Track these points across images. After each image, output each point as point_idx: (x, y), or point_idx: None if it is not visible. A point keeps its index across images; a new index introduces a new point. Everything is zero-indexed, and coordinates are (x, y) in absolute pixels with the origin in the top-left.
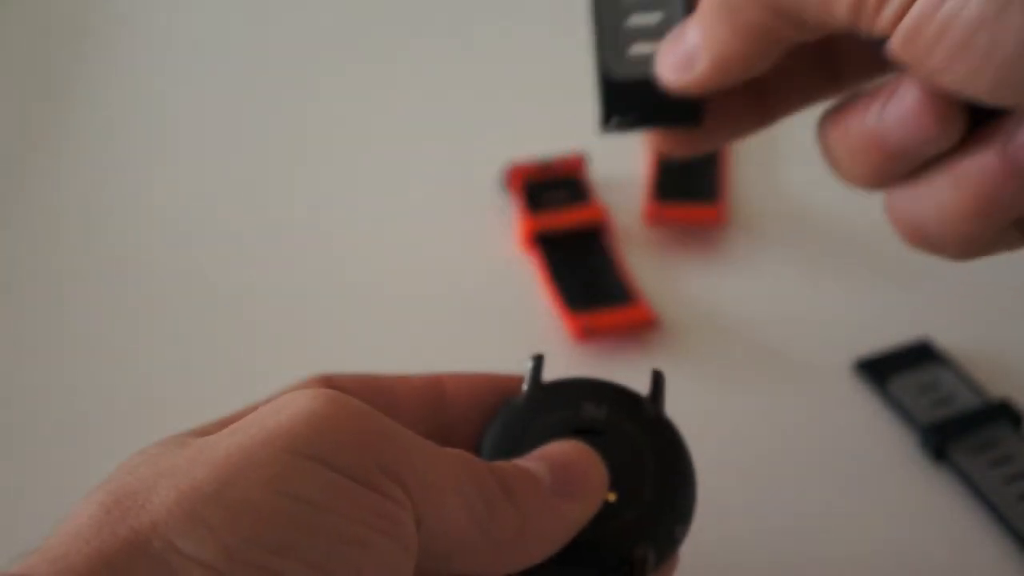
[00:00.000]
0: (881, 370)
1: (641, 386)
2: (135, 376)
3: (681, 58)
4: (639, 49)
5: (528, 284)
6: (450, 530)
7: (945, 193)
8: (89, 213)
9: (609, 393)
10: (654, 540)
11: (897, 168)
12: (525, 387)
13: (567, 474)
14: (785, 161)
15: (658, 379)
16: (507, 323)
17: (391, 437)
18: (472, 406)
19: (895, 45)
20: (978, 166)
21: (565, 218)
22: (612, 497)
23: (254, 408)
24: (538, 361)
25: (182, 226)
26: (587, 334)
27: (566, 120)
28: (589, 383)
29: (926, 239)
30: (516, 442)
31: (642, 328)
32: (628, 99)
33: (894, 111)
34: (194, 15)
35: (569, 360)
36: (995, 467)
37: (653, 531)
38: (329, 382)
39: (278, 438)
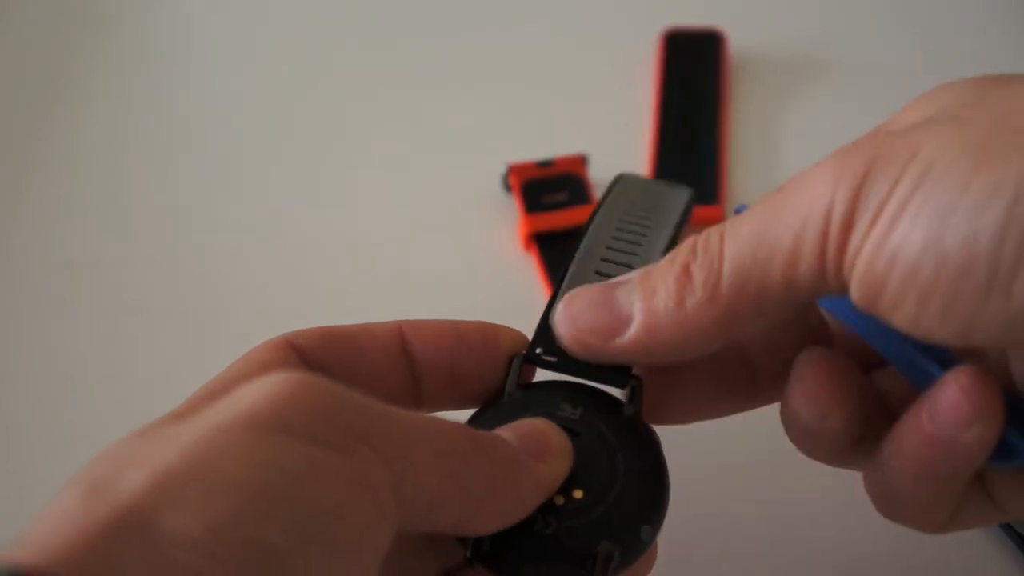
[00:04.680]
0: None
1: None
2: (131, 373)
3: (606, 326)
4: None
5: (529, 284)
6: (427, 486)
7: (895, 462)
8: (89, 210)
9: (587, 395)
10: (619, 539)
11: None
12: (506, 387)
13: (533, 441)
14: (784, 162)
15: (636, 384)
16: (508, 323)
17: (359, 405)
18: (435, 353)
19: (856, 288)
20: (913, 437)
21: (565, 218)
22: (580, 494)
23: (225, 379)
24: (516, 361)
25: (181, 225)
26: None
27: (566, 120)
28: (568, 385)
29: (895, 510)
30: None
31: None
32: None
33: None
34: (195, 15)
35: None
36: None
37: (619, 530)
38: (291, 342)
39: (246, 418)
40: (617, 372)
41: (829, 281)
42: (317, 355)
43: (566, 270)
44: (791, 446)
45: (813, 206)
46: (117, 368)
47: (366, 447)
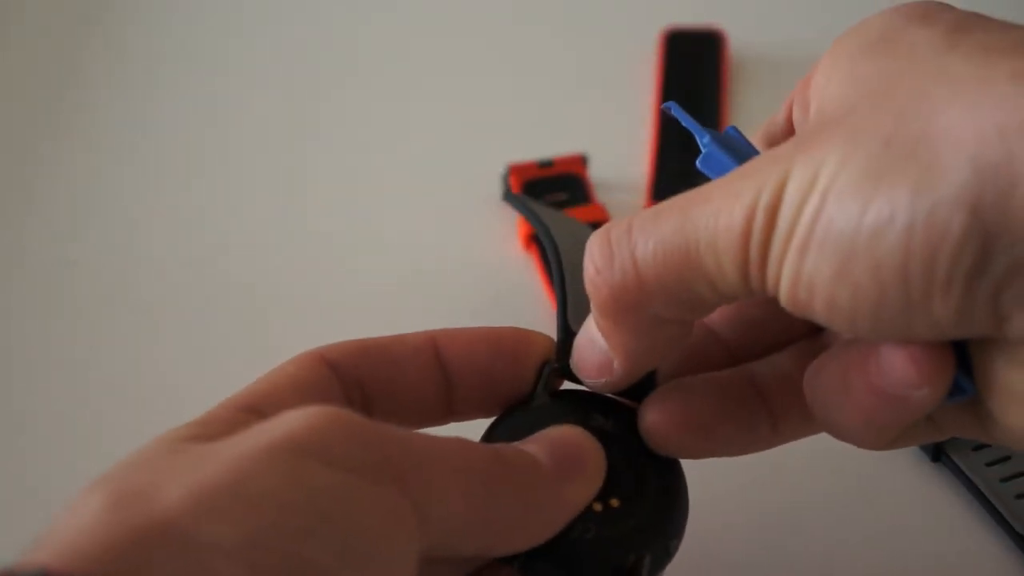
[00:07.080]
0: None
1: None
2: (133, 373)
3: (598, 362)
4: None
5: (529, 284)
6: (449, 513)
7: (845, 409)
8: (93, 208)
9: (615, 406)
10: (653, 551)
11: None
12: (535, 393)
13: (565, 456)
14: None
15: None
16: (507, 323)
17: (385, 435)
18: (469, 360)
19: (785, 304)
20: (863, 388)
21: None
22: (616, 503)
23: (256, 391)
24: (548, 369)
25: (182, 226)
26: None
27: (566, 120)
28: (596, 397)
29: (841, 438)
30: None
31: None
32: None
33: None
34: (201, 13)
35: None
36: (993, 466)
37: (651, 541)
38: (323, 356)
39: (282, 444)
40: (646, 389)
41: (758, 294)
42: (350, 368)
43: (563, 286)
44: (796, 461)
45: (732, 230)
46: (119, 368)
47: (393, 476)
